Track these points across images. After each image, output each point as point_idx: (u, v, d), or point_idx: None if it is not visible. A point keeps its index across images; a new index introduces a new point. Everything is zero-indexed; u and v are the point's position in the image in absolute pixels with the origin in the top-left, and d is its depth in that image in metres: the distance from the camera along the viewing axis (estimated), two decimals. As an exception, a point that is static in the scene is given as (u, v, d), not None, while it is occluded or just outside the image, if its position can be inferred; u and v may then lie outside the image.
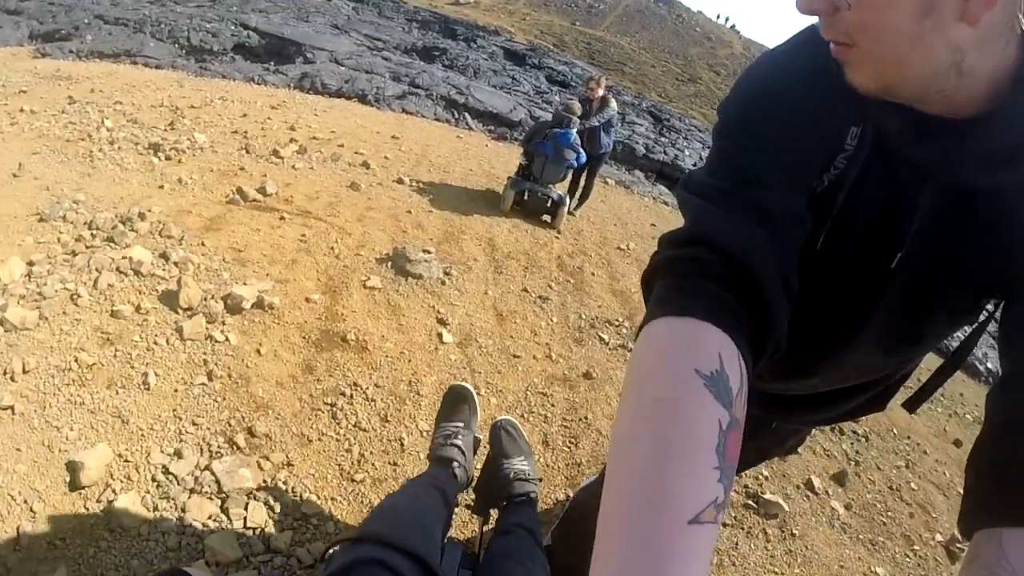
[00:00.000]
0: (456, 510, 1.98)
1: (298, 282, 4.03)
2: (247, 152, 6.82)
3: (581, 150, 7.11)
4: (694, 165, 15.17)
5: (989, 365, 7.89)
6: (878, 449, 4.39)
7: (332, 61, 16.33)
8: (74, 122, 6.53)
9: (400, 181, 7.01)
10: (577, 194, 8.10)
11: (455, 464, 1.86)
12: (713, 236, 0.74)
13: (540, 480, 2.04)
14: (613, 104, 7.78)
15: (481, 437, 2.15)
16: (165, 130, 6.99)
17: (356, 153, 7.83)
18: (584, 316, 4.81)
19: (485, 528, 2.02)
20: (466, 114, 14.57)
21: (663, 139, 16.62)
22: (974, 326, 0.96)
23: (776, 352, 0.76)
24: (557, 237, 6.71)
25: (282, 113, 9.65)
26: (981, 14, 0.58)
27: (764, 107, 0.85)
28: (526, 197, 6.99)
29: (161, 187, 5.12)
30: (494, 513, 1.98)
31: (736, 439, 0.59)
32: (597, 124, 7.56)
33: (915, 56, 0.64)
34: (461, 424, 2.03)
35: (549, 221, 7.07)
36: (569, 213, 7.55)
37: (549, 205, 7.01)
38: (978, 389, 7.25)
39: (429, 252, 4.73)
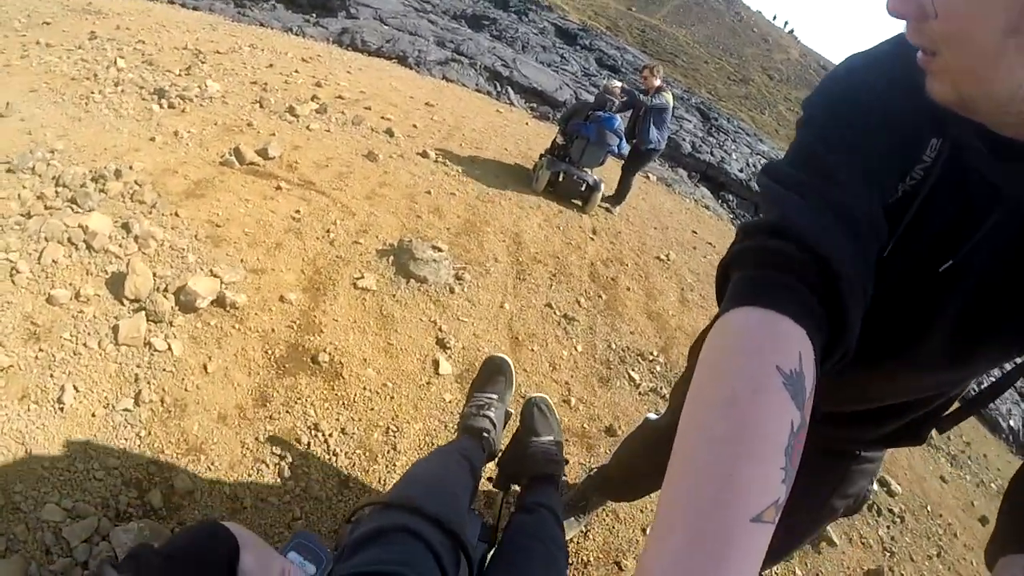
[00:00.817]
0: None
1: (276, 273, 3.34)
2: (260, 106, 6.15)
3: (623, 137, 6.62)
4: (740, 171, 14.29)
5: (1012, 423, 7.63)
6: (912, 534, 3.85)
7: (376, 19, 15.54)
8: (86, 59, 5.90)
9: (424, 155, 6.28)
10: (614, 189, 7.43)
11: (485, 435, 1.84)
12: (803, 231, 0.69)
13: (567, 463, 2.00)
14: (668, 96, 6.95)
15: (512, 412, 2.11)
16: (179, 75, 6.38)
17: (382, 118, 7.12)
18: (614, 345, 4.08)
19: (504, 503, 1.96)
20: (509, 88, 13.78)
21: (711, 139, 15.67)
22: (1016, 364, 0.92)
23: (842, 362, 0.72)
24: (592, 238, 5.96)
25: (312, 67, 8.97)
26: None
27: (847, 110, 0.82)
28: (560, 179, 6.58)
29: (152, 139, 4.45)
30: (515, 488, 1.93)
31: (801, 442, 0.57)
32: (649, 104, 6.79)
33: (996, 73, 0.60)
34: (495, 396, 2.00)
35: (581, 205, 6.65)
36: (606, 209, 7.10)
37: (584, 189, 6.60)
38: (999, 449, 7.02)
39: (440, 250, 4.03)
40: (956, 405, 1.12)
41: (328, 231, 3.98)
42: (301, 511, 2.15)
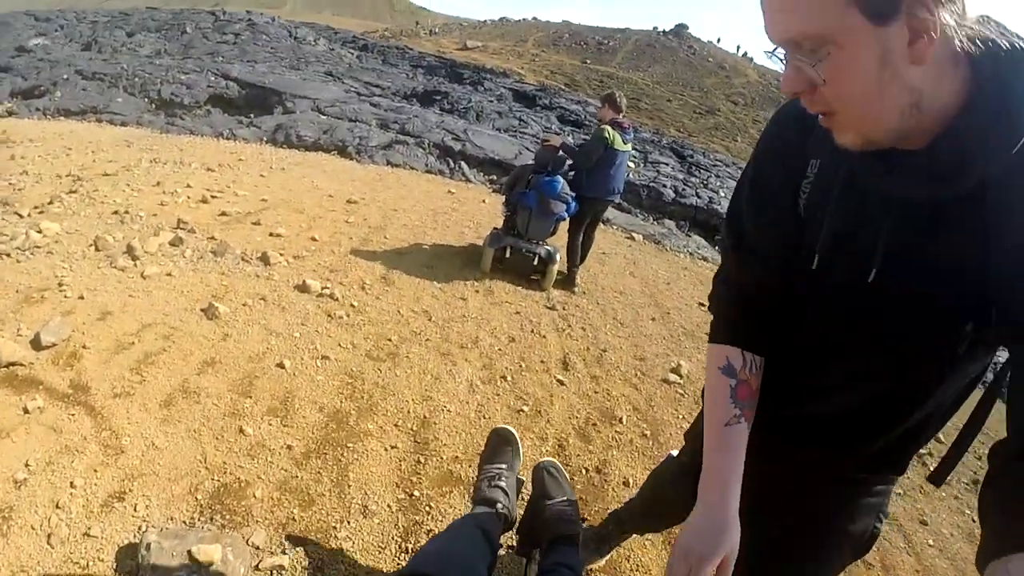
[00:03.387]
0: (500, 552, 1.90)
1: None
2: (96, 249, 4.53)
3: (571, 199, 5.61)
4: (732, 209, 12.48)
5: None
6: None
7: (314, 110, 14.08)
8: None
9: (303, 288, 4.46)
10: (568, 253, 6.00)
11: (499, 505, 1.83)
12: (732, 278, 1.22)
13: (584, 521, 2.19)
14: (605, 132, 5.44)
15: (524, 479, 2.13)
16: (26, 215, 5.07)
17: (270, 235, 5.41)
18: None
19: (528, 570, 1.88)
20: (463, 163, 12.12)
21: (692, 179, 13.94)
22: (983, 394, 1.05)
23: (774, 349, 1.17)
24: (560, 380, 4.06)
25: (214, 177, 7.44)
26: (926, 52, 0.74)
27: (753, 167, 1.18)
28: (508, 255, 5.74)
29: None
30: (536, 554, 1.87)
31: (745, 389, 1.13)
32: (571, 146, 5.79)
33: (883, 106, 0.80)
34: (504, 466, 2.01)
35: (539, 281, 5.74)
36: (567, 282, 5.92)
37: (536, 263, 5.71)
38: None
39: (258, 548, 2.11)
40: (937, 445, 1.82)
41: (50, 519, 2.13)
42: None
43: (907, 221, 0.91)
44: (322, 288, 4.46)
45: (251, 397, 3.18)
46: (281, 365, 3.47)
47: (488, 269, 5.66)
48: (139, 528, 2.26)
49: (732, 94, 52.66)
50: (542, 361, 4.12)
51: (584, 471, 3.10)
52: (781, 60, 0.84)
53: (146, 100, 14.59)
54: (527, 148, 13.32)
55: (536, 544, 1.85)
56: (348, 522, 2.51)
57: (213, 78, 15.84)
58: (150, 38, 23.55)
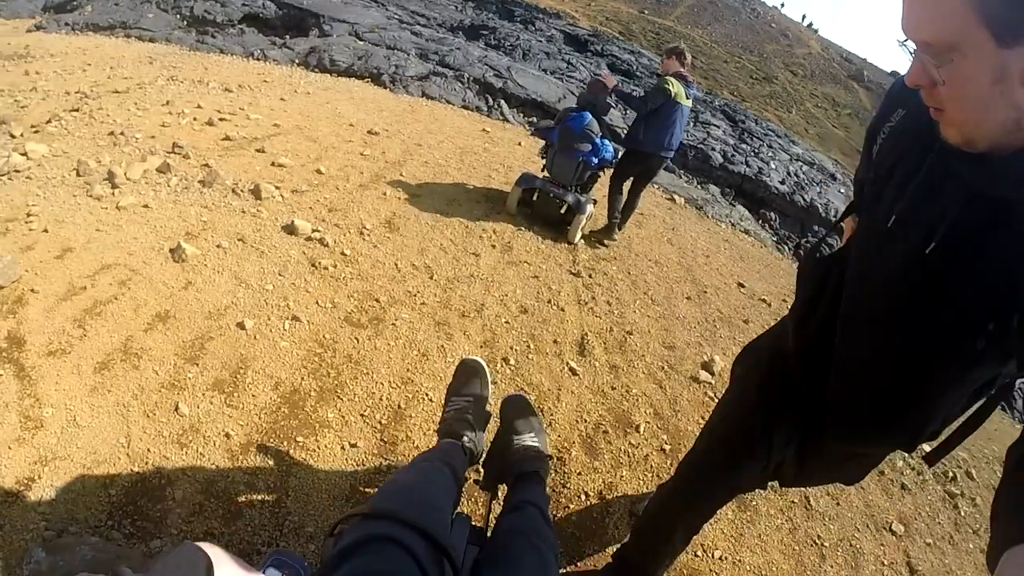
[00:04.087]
0: (466, 484, 1.79)
1: None
2: (77, 175, 3.99)
3: (604, 141, 5.04)
4: (781, 182, 11.54)
5: None
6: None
7: (351, 35, 13.23)
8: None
9: (290, 230, 3.83)
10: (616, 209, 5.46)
11: (465, 438, 1.76)
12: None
13: (551, 457, 2.08)
14: (670, 86, 4.83)
15: (492, 413, 2.02)
16: (20, 135, 4.57)
17: (272, 165, 4.79)
18: None
19: (493, 503, 1.89)
20: (502, 101, 11.28)
21: (744, 146, 12.90)
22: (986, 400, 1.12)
23: None
24: (575, 372, 3.39)
25: (232, 98, 6.85)
26: None
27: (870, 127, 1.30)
28: (536, 197, 5.20)
29: None
30: (502, 489, 1.86)
31: None
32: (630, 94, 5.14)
33: (989, 115, 0.86)
34: (471, 398, 1.93)
35: (566, 232, 5.12)
36: (597, 243, 5.35)
37: (564, 211, 5.11)
38: None
39: None
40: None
41: None
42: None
43: (975, 211, 0.96)
44: (312, 231, 3.82)
45: (198, 364, 2.60)
46: (241, 325, 2.87)
47: (514, 210, 5.21)
48: (34, 533, 1.76)
49: (792, 64, 50.21)
50: (555, 341, 3.45)
51: (583, 496, 2.47)
52: (910, 53, 0.90)
53: (178, 16, 13.90)
54: (572, 92, 12.39)
55: (502, 480, 1.81)
56: (277, 545, 1.93)
57: (251, -5, 15.01)
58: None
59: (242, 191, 4.19)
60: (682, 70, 4.90)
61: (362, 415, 2.53)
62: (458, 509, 1.56)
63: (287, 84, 8.55)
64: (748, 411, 1.57)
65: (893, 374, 1.16)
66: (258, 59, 11.17)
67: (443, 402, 2.01)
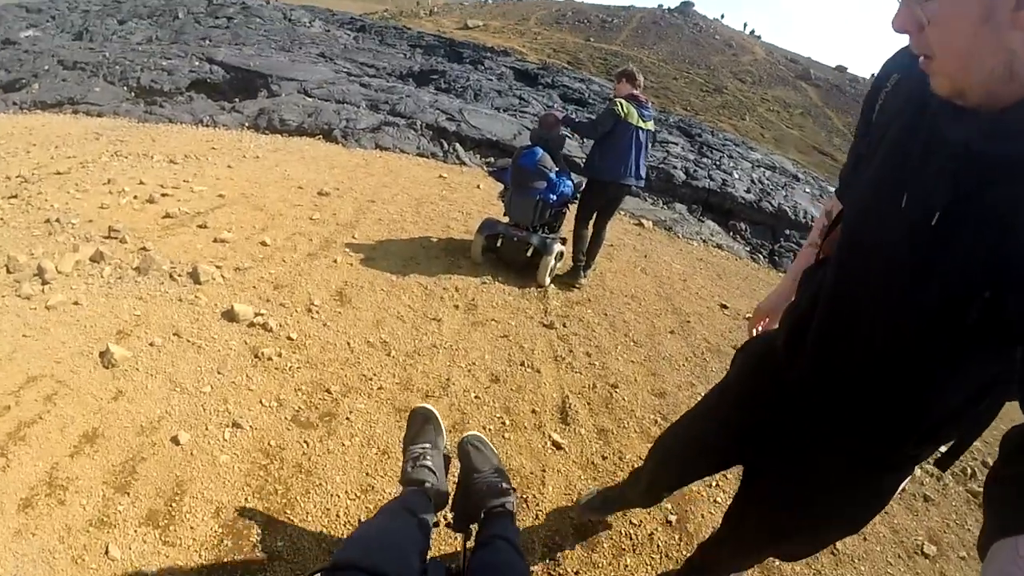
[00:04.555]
0: (437, 530, 1.78)
1: None
2: (7, 272, 3.76)
3: (561, 176, 4.75)
4: (747, 191, 11.37)
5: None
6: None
7: (300, 92, 12.96)
8: None
9: (230, 316, 3.48)
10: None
11: (427, 484, 1.75)
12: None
13: (514, 490, 1.91)
14: (619, 107, 4.60)
15: (451, 456, 2.03)
16: None
17: (213, 241, 4.43)
18: None
19: (467, 544, 1.79)
20: (457, 145, 11.02)
21: (704, 160, 12.75)
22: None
23: None
24: (558, 445, 3.05)
25: (176, 170, 6.56)
26: None
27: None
28: (500, 244, 4.98)
29: None
30: (475, 528, 1.77)
31: (833, 232, 1.28)
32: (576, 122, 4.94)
33: (977, 58, 0.81)
34: (428, 444, 1.92)
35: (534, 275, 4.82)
36: (572, 276, 5.05)
37: (530, 254, 4.89)
38: None
39: None
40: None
41: None
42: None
43: (967, 172, 0.90)
44: (255, 315, 3.46)
45: (129, 493, 2.22)
46: (176, 440, 2.48)
47: (479, 259, 4.96)
48: None
49: (740, 72, 51.00)
50: (533, 411, 3.09)
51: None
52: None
53: (125, 88, 13.61)
54: (527, 127, 12.21)
55: (471, 519, 1.79)
56: None
57: (197, 63, 14.76)
58: (142, 25, 22.36)
59: (180, 275, 3.83)
60: (635, 92, 4.66)
61: (319, 541, 2.14)
62: (431, 554, 1.54)
63: (236, 149, 8.23)
64: (730, 400, 1.56)
65: (883, 347, 1.08)
66: (207, 125, 10.89)
67: (401, 454, 1.98)
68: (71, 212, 4.67)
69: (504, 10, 68.80)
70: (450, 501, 1.87)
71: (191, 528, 2.13)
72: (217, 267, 3.97)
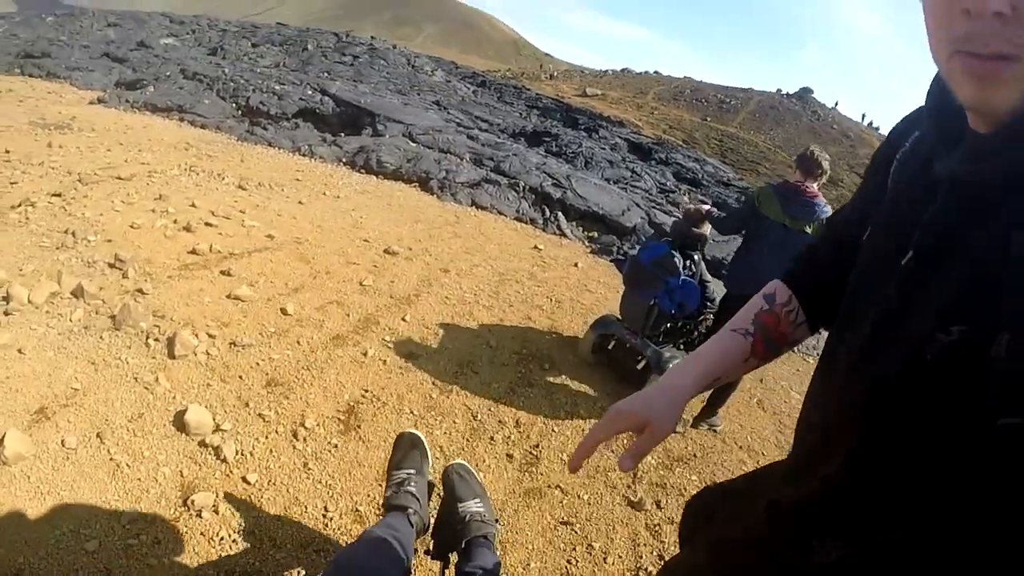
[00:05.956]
0: (416, 557, 1.71)
1: None
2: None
3: (689, 282, 3.65)
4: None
5: None
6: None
7: (404, 135, 12.34)
8: None
9: (180, 425, 2.46)
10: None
11: (410, 511, 1.72)
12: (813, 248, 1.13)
13: (497, 521, 1.88)
14: (759, 192, 3.69)
15: (435, 483, 2.00)
16: None
17: (227, 296, 3.50)
18: None
19: (445, 572, 1.78)
20: (559, 213, 9.92)
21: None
22: None
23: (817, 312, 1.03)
24: None
25: (240, 197, 5.85)
26: None
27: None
28: (612, 346, 4.16)
29: None
30: (453, 557, 1.77)
31: (770, 319, 1.01)
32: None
33: None
34: (413, 470, 1.87)
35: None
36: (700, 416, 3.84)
37: (640, 367, 3.94)
38: None
39: None
40: None
41: None
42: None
43: (954, 205, 0.71)
44: (213, 431, 2.37)
45: None
46: None
47: (588, 359, 4.18)
48: None
49: (856, 165, 48.50)
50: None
51: None
52: None
53: (233, 105, 13.54)
54: (636, 204, 11.04)
55: (451, 548, 1.74)
56: None
57: (309, 91, 14.58)
58: (272, 51, 23.08)
59: (155, 340, 2.87)
60: (801, 181, 3.45)
61: None
62: None
63: (320, 184, 7.49)
64: None
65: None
66: (304, 155, 10.41)
67: (385, 477, 1.88)
68: (95, 227, 4.03)
69: (623, 81, 68.85)
70: (430, 529, 1.82)
71: None
72: (209, 337, 2.97)
